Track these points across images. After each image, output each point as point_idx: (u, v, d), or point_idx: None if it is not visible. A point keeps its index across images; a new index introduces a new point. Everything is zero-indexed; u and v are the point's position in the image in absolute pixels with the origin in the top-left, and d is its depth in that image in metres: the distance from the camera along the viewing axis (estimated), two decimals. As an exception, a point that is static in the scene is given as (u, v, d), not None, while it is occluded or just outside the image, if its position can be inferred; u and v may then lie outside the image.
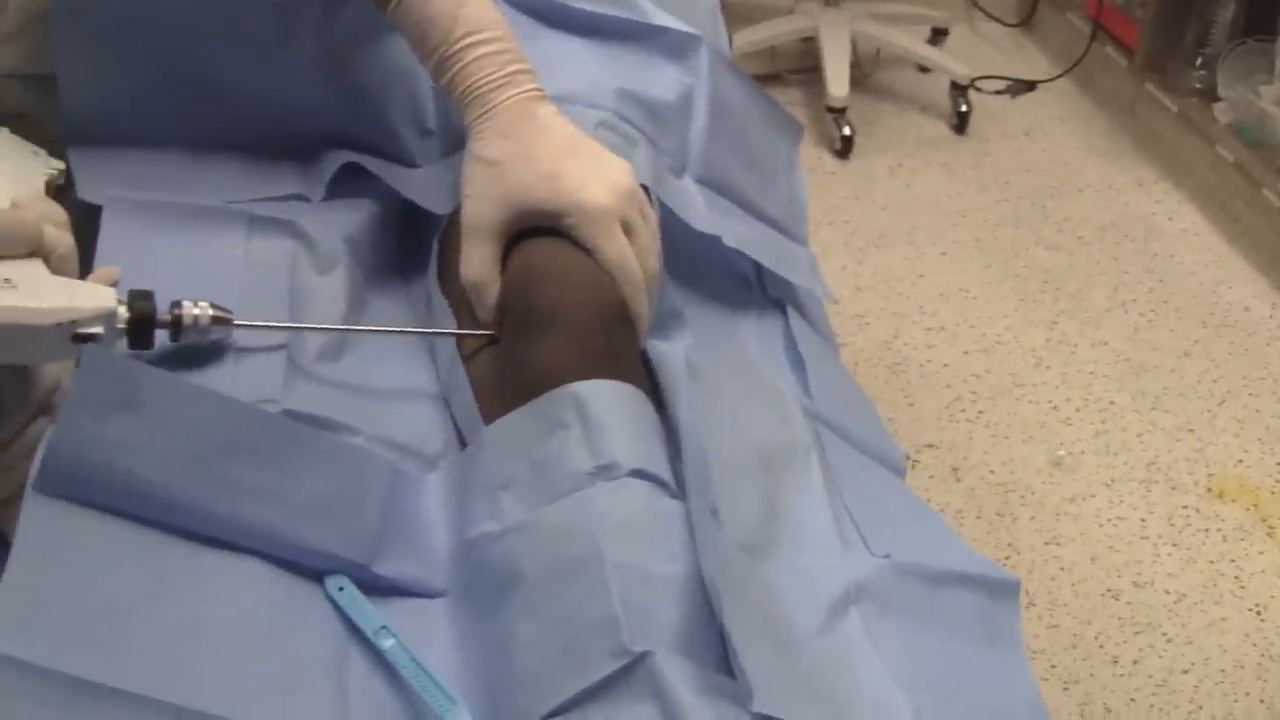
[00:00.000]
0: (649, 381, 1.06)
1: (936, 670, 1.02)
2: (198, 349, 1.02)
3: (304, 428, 0.97)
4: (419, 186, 1.24)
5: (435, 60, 1.12)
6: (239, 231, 1.14)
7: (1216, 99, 3.11)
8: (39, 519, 0.84)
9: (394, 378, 1.12)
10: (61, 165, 1.12)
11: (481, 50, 1.10)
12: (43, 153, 1.11)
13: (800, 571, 1.03)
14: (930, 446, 2.49)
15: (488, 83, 1.10)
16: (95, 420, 0.87)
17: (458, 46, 1.10)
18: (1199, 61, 3.17)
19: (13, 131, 1.15)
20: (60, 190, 1.09)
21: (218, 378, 1.01)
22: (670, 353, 1.10)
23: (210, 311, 1.00)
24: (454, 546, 0.98)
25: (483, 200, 1.08)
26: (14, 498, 1.08)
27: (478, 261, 1.08)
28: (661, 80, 1.35)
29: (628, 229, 1.08)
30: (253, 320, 1.03)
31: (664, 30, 1.38)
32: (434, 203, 1.21)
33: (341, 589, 0.92)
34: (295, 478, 0.93)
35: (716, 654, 0.88)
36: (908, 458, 2.38)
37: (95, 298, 0.94)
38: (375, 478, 0.97)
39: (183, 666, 0.82)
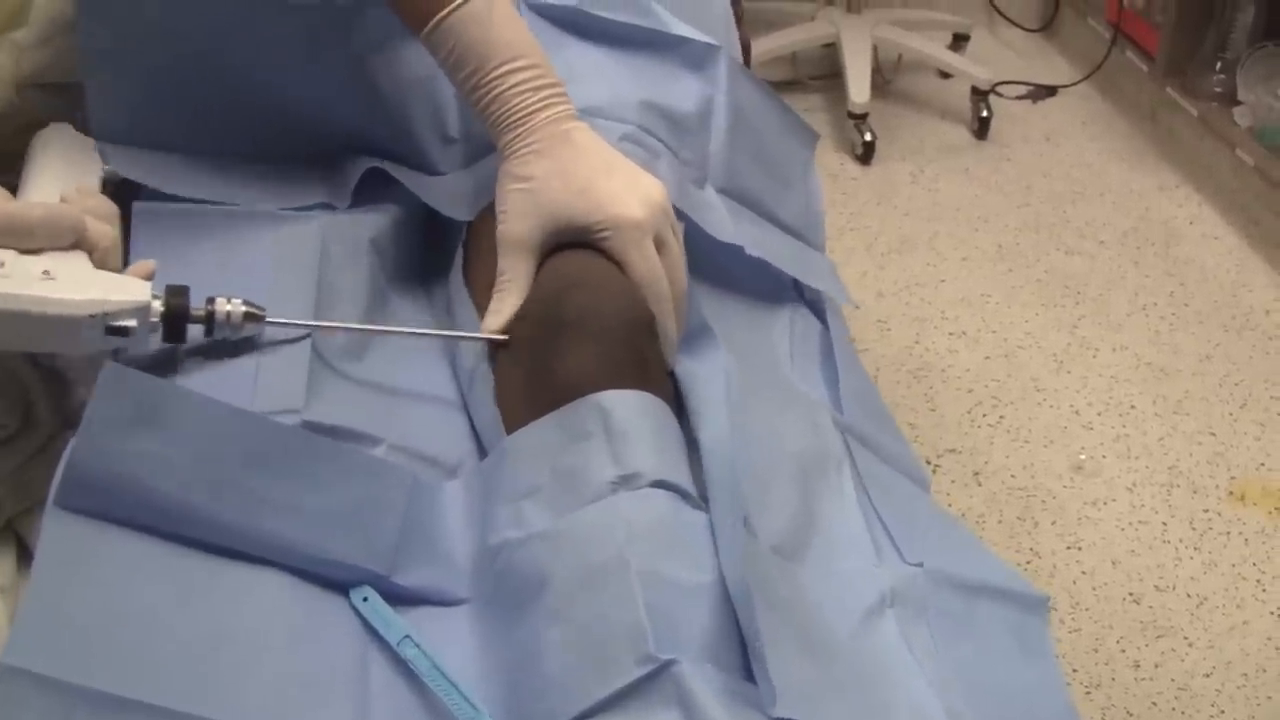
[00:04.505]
0: (675, 397, 1.07)
1: (971, 675, 1.03)
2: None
3: (323, 440, 0.98)
4: (440, 194, 1.24)
5: (470, 86, 1.13)
6: (268, 224, 1.15)
7: (1236, 103, 3.11)
8: (59, 533, 0.85)
9: (414, 381, 1.13)
10: None
11: (517, 77, 1.11)
12: None
13: (835, 576, 1.04)
14: (952, 451, 2.49)
15: (523, 108, 1.11)
16: (115, 434, 0.87)
17: (493, 75, 1.11)
18: (1219, 66, 3.17)
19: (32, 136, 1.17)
20: (117, 186, 1.10)
21: (243, 367, 1.02)
22: (701, 373, 1.10)
23: (243, 308, 1.01)
24: (475, 554, 0.98)
25: (518, 216, 1.09)
26: (36, 509, 1.09)
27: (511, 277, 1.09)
28: (682, 91, 1.36)
29: (659, 245, 1.08)
30: (282, 314, 1.04)
31: (684, 41, 1.39)
32: (455, 210, 1.23)
33: (365, 599, 0.93)
34: (314, 491, 0.94)
35: (740, 663, 0.89)
36: (929, 462, 2.39)
37: (129, 291, 0.96)
38: (394, 489, 0.98)
39: (204, 679, 0.82)
